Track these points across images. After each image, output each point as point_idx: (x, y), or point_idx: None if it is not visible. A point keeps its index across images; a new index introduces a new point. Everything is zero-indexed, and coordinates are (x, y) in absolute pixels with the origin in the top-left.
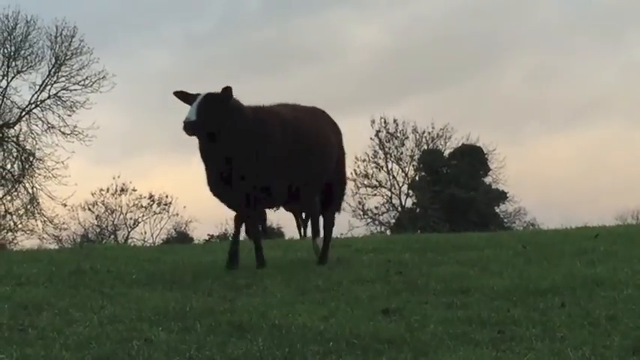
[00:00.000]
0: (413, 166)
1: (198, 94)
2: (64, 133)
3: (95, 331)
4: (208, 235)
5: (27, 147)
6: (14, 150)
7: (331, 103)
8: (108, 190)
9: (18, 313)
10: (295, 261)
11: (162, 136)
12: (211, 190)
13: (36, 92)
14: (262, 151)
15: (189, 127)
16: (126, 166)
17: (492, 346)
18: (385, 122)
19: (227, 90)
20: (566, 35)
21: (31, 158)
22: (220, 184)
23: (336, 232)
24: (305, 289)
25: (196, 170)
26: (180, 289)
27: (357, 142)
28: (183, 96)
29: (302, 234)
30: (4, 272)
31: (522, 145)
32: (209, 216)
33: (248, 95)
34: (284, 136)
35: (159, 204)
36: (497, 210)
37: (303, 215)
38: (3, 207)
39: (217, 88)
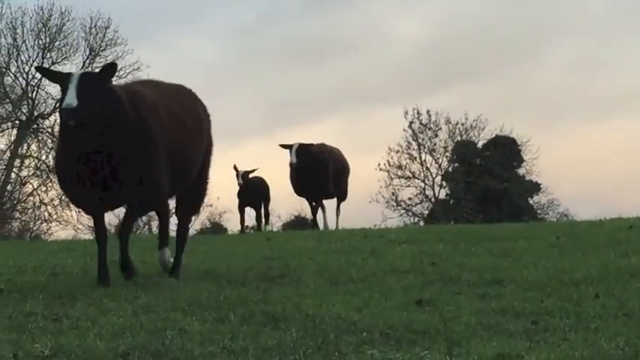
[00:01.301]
0: (446, 157)
1: (70, 74)
2: None
3: (129, 320)
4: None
5: None
6: (49, 141)
7: (370, 95)
8: None
9: (52, 303)
10: (329, 251)
11: None
12: (70, 188)
13: None
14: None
15: (73, 115)
16: None
17: (526, 336)
18: (418, 113)
19: (111, 68)
20: (608, 24)
21: None
22: (92, 179)
23: (370, 223)
24: (338, 279)
25: (227, 162)
26: (214, 279)
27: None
28: (50, 74)
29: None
30: (40, 262)
31: (560, 136)
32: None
33: (289, 87)
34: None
35: None
36: (531, 201)
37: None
38: (38, 198)
39: (257, 80)
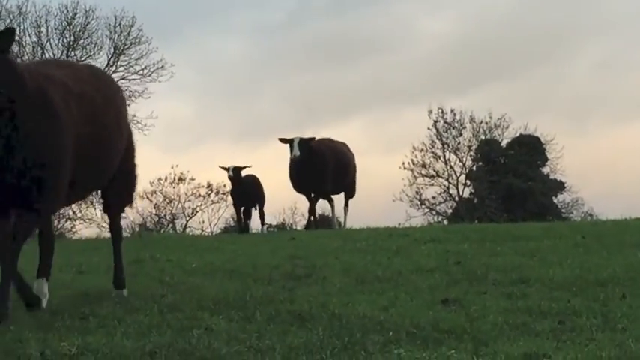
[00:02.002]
0: (470, 156)
1: None
2: None
3: (156, 319)
4: (266, 224)
5: None
6: None
7: (397, 93)
8: (166, 179)
9: (79, 301)
10: (354, 250)
11: (228, 126)
12: None
13: None
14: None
15: None
16: (193, 155)
17: (553, 336)
18: (443, 112)
19: (6, 34)
20: (636, 25)
21: None
22: None
23: (393, 221)
24: (364, 278)
25: (257, 159)
26: (240, 277)
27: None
28: None
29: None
30: (65, 260)
31: (586, 135)
32: (266, 206)
33: (317, 85)
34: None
35: (217, 193)
36: (555, 200)
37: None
38: None
39: (285, 79)
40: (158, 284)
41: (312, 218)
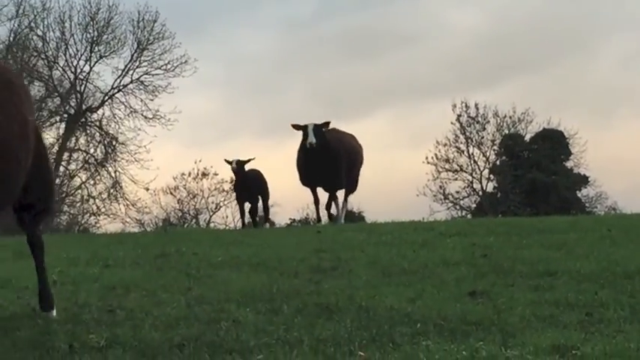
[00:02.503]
0: (494, 150)
1: None
2: (146, 118)
3: (183, 312)
4: (290, 219)
5: (110, 131)
6: (97, 134)
7: (423, 87)
8: (189, 174)
9: (106, 295)
10: (379, 244)
11: (255, 120)
12: None
13: (118, 77)
14: None
15: None
16: (218, 150)
17: (581, 328)
18: (466, 106)
19: None
20: None
21: (113, 142)
22: None
23: (417, 216)
24: (390, 271)
25: (282, 154)
26: (266, 271)
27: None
28: None
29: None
30: (92, 254)
31: (611, 130)
32: (290, 200)
33: (344, 80)
34: None
35: None
36: (579, 194)
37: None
38: (86, 191)
39: (312, 74)
40: (184, 277)
41: (321, 211)
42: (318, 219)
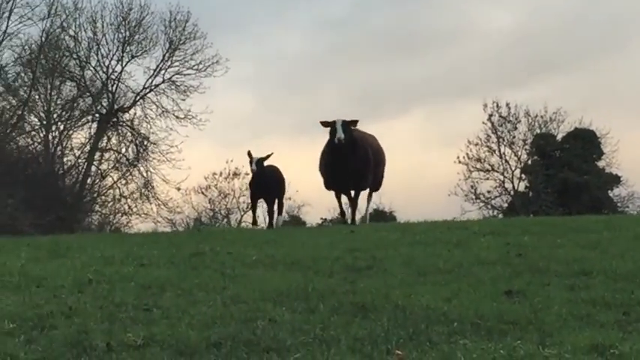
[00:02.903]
0: (525, 149)
1: None
2: (177, 117)
3: (219, 311)
4: (321, 218)
5: (141, 131)
6: (129, 134)
7: (456, 87)
8: (221, 174)
9: (142, 293)
10: (413, 243)
11: (288, 119)
12: None
13: (150, 77)
14: None
15: None
16: (251, 149)
17: (618, 327)
18: (498, 106)
19: None
20: None
21: (145, 142)
22: None
23: (448, 216)
24: (425, 270)
25: (312, 154)
26: (301, 270)
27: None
28: None
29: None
30: (126, 254)
31: None
32: (321, 200)
33: (377, 79)
34: None
35: None
36: (611, 194)
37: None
38: (118, 190)
39: (346, 73)
40: (219, 276)
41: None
42: (342, 213)
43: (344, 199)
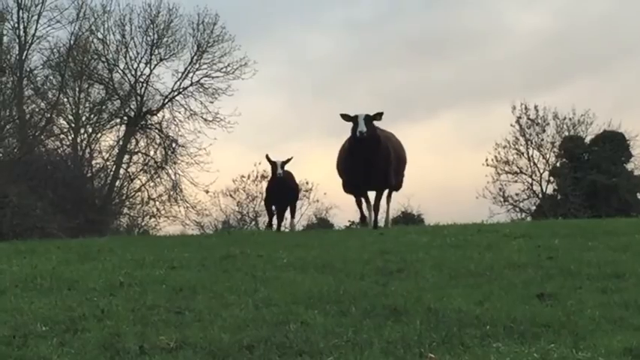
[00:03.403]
0: (554, 152)
1: None
2: (205, 120)
3: (251, 314)
4: (349, 221)
5: (169, 134)
6: (157, 137)
7: (486, 89)
8: (249, 176)
9: (173, 296)
10: (444, 246)
11: (318, 122)
12: None
13: (178, 79)
14: None
15: None
16: (279, 153)
17: None
18: (526, 109)
19: None
20: None
21: (173, 145)
22: None
23: (476, 218)
24: (457, 273)
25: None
26: (332, 272)
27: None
28: None
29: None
30: (157, 256)
31: None
32: (349, 202)
33: (406, 82)
34: None
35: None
36: None
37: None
38: (146, 193)
39: (374, 76)
40: (251, 279)
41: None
42: (363, 217)
43: (365, 202)
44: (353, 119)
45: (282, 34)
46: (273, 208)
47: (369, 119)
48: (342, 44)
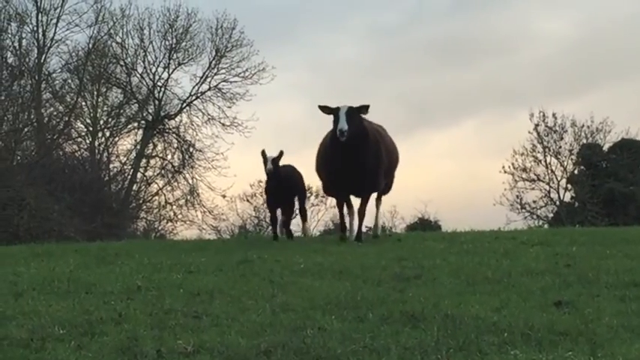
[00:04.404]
0: (571, 160)
1: None
2: (223, 125)
3: (268, 318)
4: (366, 227)
5: (187, 138)
6: (175, 141)
7: (511, 96)
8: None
9: (191, 301)
10: (461, 252)
11: None
12: None
13: (196, 84)
14: None
15: None
16: (299, 158)
17: None
18: (544, 116)
19: None
20: None
21: (191, 149)
22: None
23: (493, 225)
24: (474, 280)
25: None
26: (349, 278)
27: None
28: None
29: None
30: (174, 261)
31: None
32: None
33: (431, 88)
34: None
35: (316, 196)
36: None
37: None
38: (163, 197)
39: (399, 81)
40: (268, 284)
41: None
42: (343, 226)
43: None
44: (334, 112)
45: (303, 39)
46: (279, 212)
47: (352, 113)
48: (363, 49)
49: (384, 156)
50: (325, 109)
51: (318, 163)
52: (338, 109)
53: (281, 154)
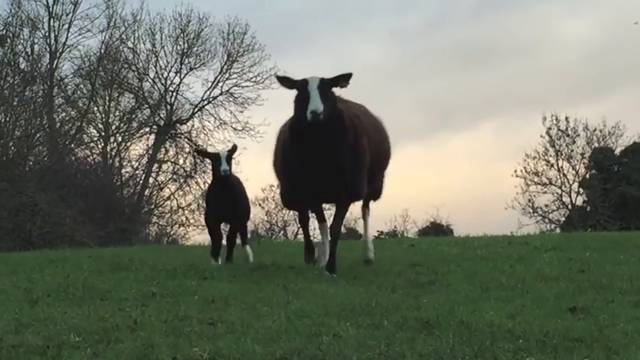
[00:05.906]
0: (584, 163)
1: None
2: (235, 129)
3: (284, 325)
4: (378, 231)
5: (199, 143)
6: (186, 146)
7: (531, 99)
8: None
9: (206, 307)
10: (475, 258)
11: None
12: None
13: (208, 89)
14: None
15: None
16: None
17: None
18: (556, 119)
19: None
20: None
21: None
22: None
23: (504, 230)
24: (489, 286)
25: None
26: (364, 284)
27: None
28: None
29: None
30: (188, 267)
31: None
32: (377, 213)
33: (450, 91)
34: None
35: None
36: None
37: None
38: (175, 202)
39: (418, 85)
40: (282, 290)
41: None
42: (309, 246)
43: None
44: (299, 86)
45: (322, 42)
46: (222, 226)
47: (326, 88)
48: (385, 52)
49: (365, 150)
50: (286, 82)
51: (277, 162)
52: (306, 81)
53: (235, 148)
